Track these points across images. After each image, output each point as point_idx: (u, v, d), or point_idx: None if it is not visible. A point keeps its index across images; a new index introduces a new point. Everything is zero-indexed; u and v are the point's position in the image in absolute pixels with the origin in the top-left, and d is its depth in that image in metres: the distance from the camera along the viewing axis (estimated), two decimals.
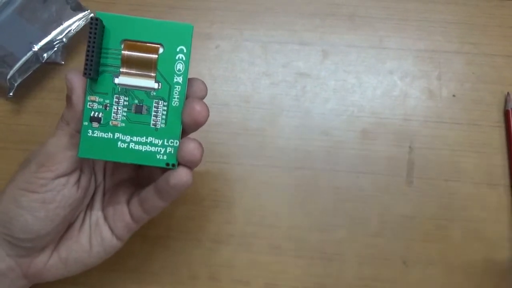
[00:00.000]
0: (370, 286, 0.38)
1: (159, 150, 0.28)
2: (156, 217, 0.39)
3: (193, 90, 0.29)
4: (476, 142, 0.41)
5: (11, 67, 0.40)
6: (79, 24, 0.42)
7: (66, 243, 0.31)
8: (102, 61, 0.28)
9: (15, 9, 0.42)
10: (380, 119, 0.42)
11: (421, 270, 0.39)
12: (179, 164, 0.28)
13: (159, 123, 0.28)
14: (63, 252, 0.31)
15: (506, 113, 0.42)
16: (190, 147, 0.27)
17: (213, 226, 0.40)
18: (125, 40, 0.28)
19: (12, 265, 0.30)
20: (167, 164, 0.28)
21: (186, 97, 0.29)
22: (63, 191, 0.28)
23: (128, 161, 0.28)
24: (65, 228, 0.31)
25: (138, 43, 0.28)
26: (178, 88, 0.28)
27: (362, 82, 0.43)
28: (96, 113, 0.28)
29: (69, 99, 0.28)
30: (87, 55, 0.26)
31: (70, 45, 0.43)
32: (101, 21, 0.27)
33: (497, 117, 0.42)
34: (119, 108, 0.28)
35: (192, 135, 0.29)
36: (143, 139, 0.28)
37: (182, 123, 0.28)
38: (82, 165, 0.30)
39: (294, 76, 0.43)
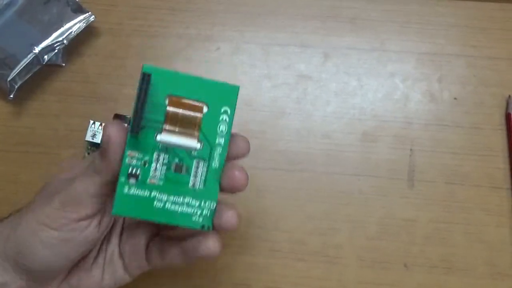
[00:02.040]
0: None
1: (195, 212, 0.27)
2: None
3: (235, 148, 0.28)
4: (477, 145, 0.41)
5: (12, 69, 0.40)
6: (79, 26, 0.42)
7: (78, 273, 0.31)
8: (146, 115, 0.26)
9: (16, 11, 0.42)
10: (381, 122, 0.42)
11: (422, 273, 0.39)
12: (213, 228, 0.27)
13: (198, 183, 0.27)
14: (74, 282, 0.30)
15: (507, 116, 0.41)
16: (228, 216, 0.27)
17: None
18: (170, 95, 0.26)
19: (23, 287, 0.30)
20: (203, 227, 0.27)
21: (228, 155, 0.28)
22: (85, 232, 0.28)
23: (163, 221, 0.27)
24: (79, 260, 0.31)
25: (184, 100, 0.27)
26: (219, 149, 0.27)
27: (363, 85, 0.43)
28: (135, 169, 0.26)
29: (104, 151, 0.26)
30: (135, 112, 0.25)
31: (70, 47, 0.42)
32: (151, 77, 0.25)
33: (499, 120, 0.42)
34: (158, 166, 0.27)
35: None
36: (180, 199, 0.27)
37: (220, 185, 0.27)
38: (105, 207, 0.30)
39: (295, 78, 0.43)
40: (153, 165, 0.27)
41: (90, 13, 0.42)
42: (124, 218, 0.32)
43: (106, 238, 0.31)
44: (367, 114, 0.42)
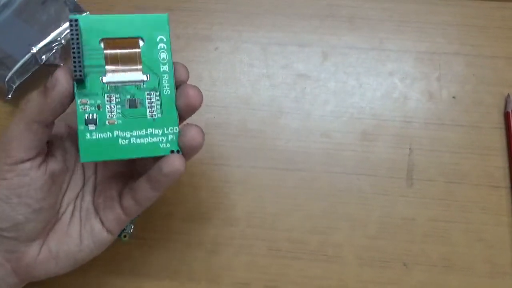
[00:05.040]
0: None
1: (161, 140, 0.28)
2: (155, 219, 0.39)
3: (177, 75, 0.29)
4: (476, 144, 0.41)
5: (10, 69, 0.40)
6: None
7: (55, 236, 0.31)
8: (86, 62, 0.27)
9: (14, 10, 0.42)
10: (380, 121, 0.42)
11: (422, 272, 0.39)
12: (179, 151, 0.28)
13: (155, 113, 0.28)
14: (53, 246, 0.30)
15: (506, 115, 0.41)
16: (192, 133, 0.28)
17: (213, 229, 0.40)
18: (104, 38, 0.27)
19: (1, 261, 0.29)
20: (172, 152, 0.28)
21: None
22: (30, 174, 0.28)
23: (133, 156, 0.28)
24: (49, 217, 0.30)
25: (118, 40, 0.28)
26: (166, 76, 0.28)
27: (362, 84, 0.43)
28: (90, 115, 0.27)
29: (48, 90, 0.27)
30: (73, 57, 0.26)
31: (68, 46, 0.42)
32: (79, 23, 0.27)
33: (498, 118, 0.42)
34: (113, 106, 0.27)
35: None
36: (143, 132, 0.28)
37: (178, 109, 0.28)
38: (51, 150, 0.30)
39: (294, 77, 0.43)
40: (107, 106, 0.27)
41: (88, 12, 0.42)
42: (96, 176, 0.32)
43: (79, 198, 0.32)
44: (366, 113, 0.42)
